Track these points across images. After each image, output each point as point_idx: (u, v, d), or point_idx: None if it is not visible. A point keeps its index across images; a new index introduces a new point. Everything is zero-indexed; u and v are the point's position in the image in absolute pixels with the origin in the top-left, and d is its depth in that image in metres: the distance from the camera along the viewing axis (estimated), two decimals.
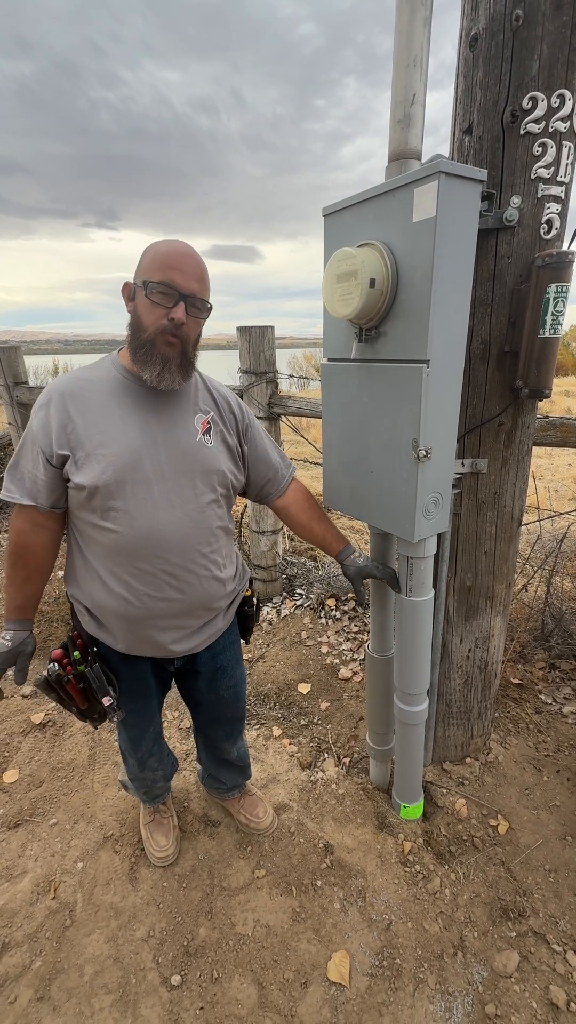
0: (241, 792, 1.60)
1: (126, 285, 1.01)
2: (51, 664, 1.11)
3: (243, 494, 1.28)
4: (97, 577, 1.08)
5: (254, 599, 1.35)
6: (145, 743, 1.33)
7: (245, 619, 1.35)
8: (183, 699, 1.41)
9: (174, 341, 0.99)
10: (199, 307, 1.00)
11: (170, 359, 1.00)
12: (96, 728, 1.37)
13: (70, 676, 1.11)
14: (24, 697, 2.18)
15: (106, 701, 1.12)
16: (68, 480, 1.01)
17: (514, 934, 1.30)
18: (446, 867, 1.45)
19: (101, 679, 1.12)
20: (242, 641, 1.40)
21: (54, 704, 2.11)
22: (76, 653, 1.12)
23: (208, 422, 1.11)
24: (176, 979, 1.24)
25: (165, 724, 2.00)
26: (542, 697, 2.01)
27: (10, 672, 1.14)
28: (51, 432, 0.99)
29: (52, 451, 0.99)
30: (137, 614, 1.08)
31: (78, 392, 1.01)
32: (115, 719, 1.15)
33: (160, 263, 0.96)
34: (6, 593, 1.13)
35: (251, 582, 1.35)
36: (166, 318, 0.97)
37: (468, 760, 1.74)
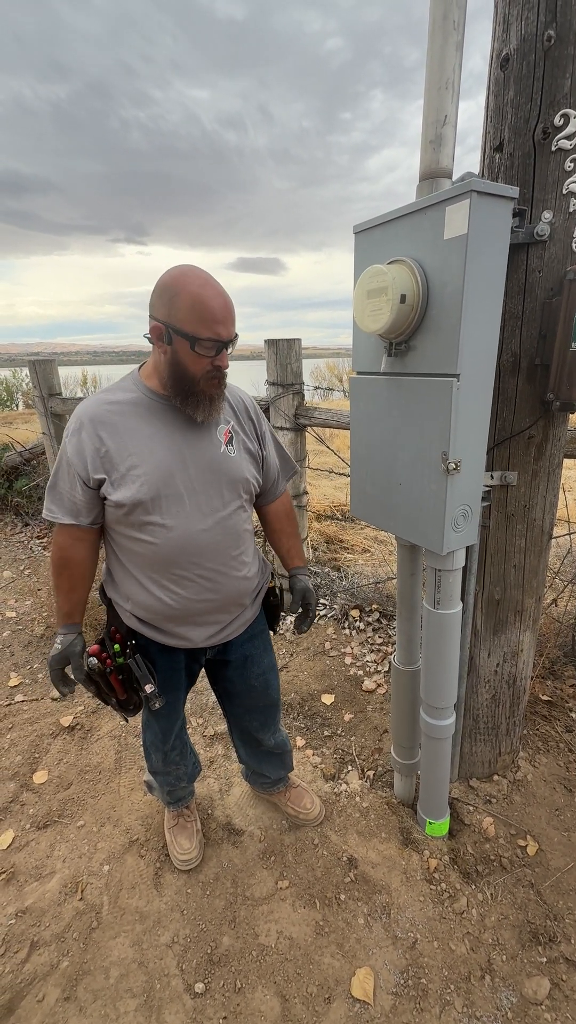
0: (285, 785, 1.65)
1: (156, 327, 1.00)
2: (90, 659, 1.16)
3: None
4: (136, 582, 1.14)
5: (277, 589, 1.41)
6: (172, 736, 1.39)
7: (271, 609, 1.40)
8: (216, 694, 1.45)
9: (218, 383, 1.06)
10: (233, 344, 1.05)
11: (215, 398, 1.07)
12: (128, 721, 1.42)
13: (111, 668, 1.16)
14: (53, 700, 2.24)
15: (148, 688, 1.17)
16: (105, 499, 1.07)
17: (544, 960, 1.27)
18: (473, 887, 1.42)
19: (144, 669, 1.17)
20: (271, 632, 1.45)
21: (82, 708, 2.16)
22: (116, 647, 1.17)
23: (230, 432, 1.16)
24: (200, 987, 1.24)
25: (189, 731, 2.02)
26: (573, 715, 1.95)
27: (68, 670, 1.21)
28: (85, 458, 1.04)
29: (88, 475, 1.05)
30: (176, 614, 1.16)
31: (106, 416, 1.05)
32: (155, 706, 1.18)
33: (203, 316, 0.96)
34: (55, 602, 1.20)
35: (272, 574, 1.41)
36: (211, 365, 1.02)
37: (495, 777, 1.71)
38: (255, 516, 1.34)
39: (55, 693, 2.26)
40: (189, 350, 0.99)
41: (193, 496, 1.09)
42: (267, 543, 1.42)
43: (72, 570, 1.15)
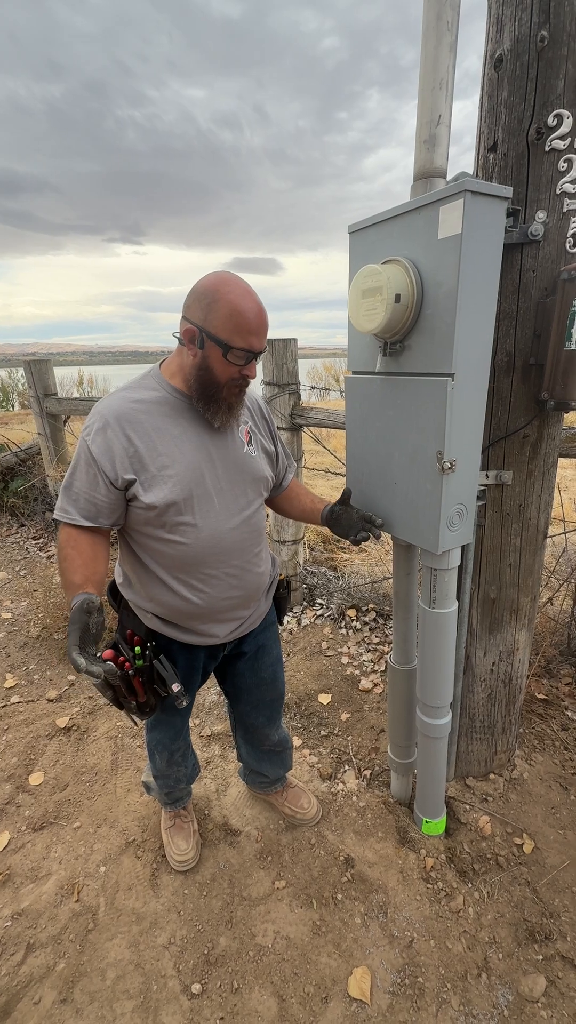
0: (283, 785, 1.65)
1: (190, 330, 0.99)
2: (106, 664, 1.08)
3: None
4: (161, 583, 1.13)
5: (286, 581, 1.43)
6: (181, 735, 1.42)
7: (279, 601, 1.42)
8: (224, 690, 1.46)
9: (238, 390, 1.06)
10: (260, 355, 1.06)
11: (234, 405, 1.07)
12: (137, 724, 1.36)
13: (132, 671, 1.11)
14: (50, 701, 2.23)
15: (175, 688, 1.12)
16: (133, 500, 1.04)
17: (540, 957, 1.27)
18: (469, 885, 1.43)
19: (169, 669, 1.14)
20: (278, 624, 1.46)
21: (78, 709, 2.15)
22: (137, 649, 1.14)
23: (249, 432, 1.18)
24: (197, 988, 1.24)
25: None
26: (568, 713, 1.96)
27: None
28: (114, 457, 1.01)
29: (117, 475, 1.01)
30: (201, 612, 1.16)
31: (133, 415, 1.03)
32: (182, 704, 1.14)
33: (239, 326, 0.96)
34: (65, 583, 1.05)
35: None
36: (239, 374, 1.02)
37: (492, 776, 1.71)
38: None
39: (51, 694, 2.25)
40: (221, 357, 0.99)
41: (221, 495, 1.10)
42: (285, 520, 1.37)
43: (82, 547, 1.05)
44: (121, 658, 1.14)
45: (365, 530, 1.23)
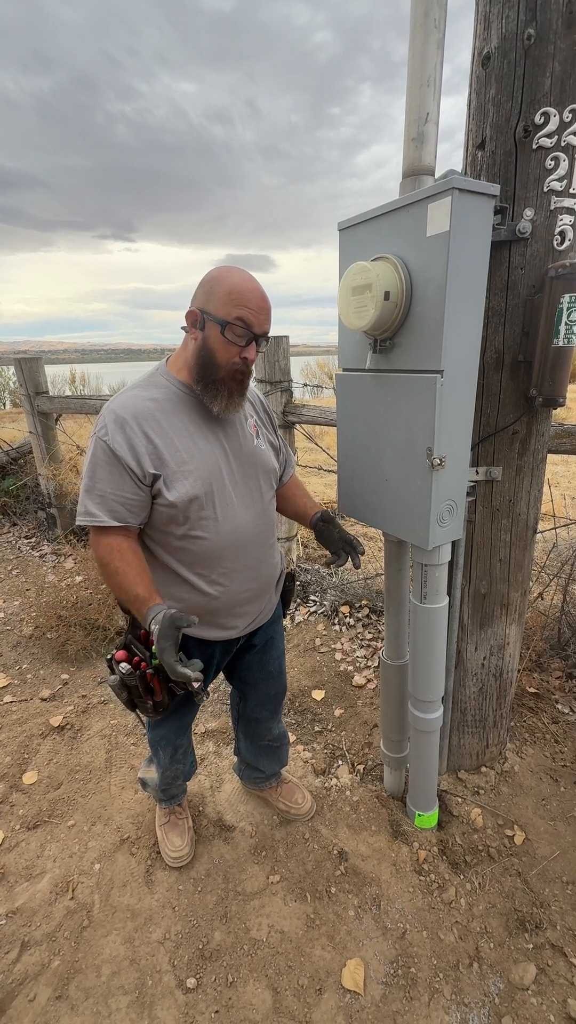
0: (278, 781, 1.67)
1: (192, 312, 1.02)
2: (120, 664, 1.10)
3: None
4: (182, 581, 1.14)
5: (292, 574, 1.45)
6: (188, 730, 1.44)
7: (285, 594, 1.43)
8: (233, 684, 1.48)
9: (242, 379, 1.06)
10: (264, 343, 1.06)
11: (234, 393, 1.07)
12: (144, 724, 1.35)
13: (146, 671, 1.11)
14: (43, 700, 2.22)
15: (196, 684, 1.09)
16: (156, 497, 1.04)
17: (531, 946, 1.29)
18: (461, 877, 1.44)
19: (188, 665, 1.11)
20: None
21: (72, 708, 2.15)
22: (154, 648, 1.12)
23: (256, 425, 1.20)
24: (192, 982, 1.25)
25: None
26: (559, 707, 1.98)
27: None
28: (138, 453, 1.01)
29: (143, 471, 1.02)
30: (221, 606, 1.18)
31: (148, 412, 1.03)
32: (202, 699, 1.11)
33: (236, 301, 0.98)
34: (126, 597, 1.05)
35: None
36: (239, 356, 1.02)
37: (483, 769, 1.73)
38: None
39: (44, 693, 2.24)
40: (219, 335, 0.99)
41: (236, 488, 1.12)
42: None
43: (129, 558, 1.05)
44: (136, 658, 1.13)
45: (345, 551, 1.25)
